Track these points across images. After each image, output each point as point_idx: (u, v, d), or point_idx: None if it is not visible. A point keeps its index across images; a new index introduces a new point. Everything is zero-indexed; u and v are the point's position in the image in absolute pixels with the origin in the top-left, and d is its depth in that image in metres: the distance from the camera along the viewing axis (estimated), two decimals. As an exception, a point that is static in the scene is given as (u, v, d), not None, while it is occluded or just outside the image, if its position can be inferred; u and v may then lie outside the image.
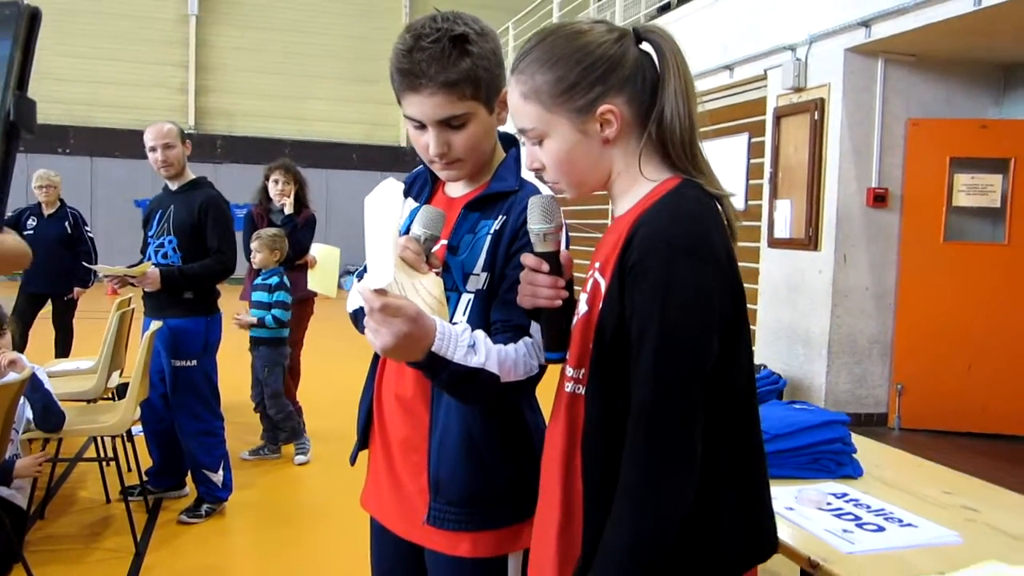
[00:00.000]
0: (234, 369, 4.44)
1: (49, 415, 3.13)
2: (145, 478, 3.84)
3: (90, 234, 6.15)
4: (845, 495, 1.77)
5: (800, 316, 6.04)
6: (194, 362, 3.61)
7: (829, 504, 1.70)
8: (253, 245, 4.41)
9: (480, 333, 1.26)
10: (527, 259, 1.24)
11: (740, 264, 1.10)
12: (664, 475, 1.00)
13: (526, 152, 1.23)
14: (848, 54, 5.61)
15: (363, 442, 1.55)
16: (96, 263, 5.72)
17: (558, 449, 1.18)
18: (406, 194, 1.49)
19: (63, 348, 6.05)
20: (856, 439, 1.99)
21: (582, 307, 1.17)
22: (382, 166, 16.09)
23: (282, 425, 4.52)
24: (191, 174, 3.75)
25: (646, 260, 1.03)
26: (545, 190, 1.37)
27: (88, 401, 3.91)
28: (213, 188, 3.78)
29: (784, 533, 1.46)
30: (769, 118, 6.37)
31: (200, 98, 15.57)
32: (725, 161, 6.72)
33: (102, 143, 14.62)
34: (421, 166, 1.53)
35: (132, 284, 3.53)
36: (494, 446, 1.37)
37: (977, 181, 5.63)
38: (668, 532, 1.01)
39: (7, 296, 6.04)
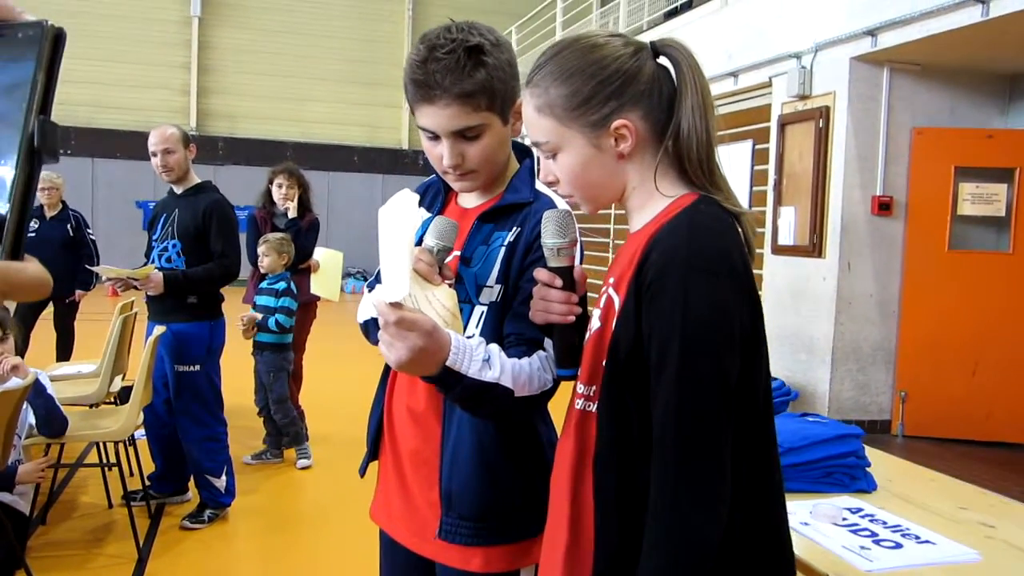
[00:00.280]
0: (236, 372, 4.43)
1: (52, 421, 3.11)
2: (148, 483, 3.82)
3: (92, 237, 6.15)
4: (860, 510, 1.75)
5: (804, 323, 6.03)
6: (198, 367, 3.60)
7: (845, 519, 1.68)
8: (261, 249, 4.41)
9: (495, 347, 1.25)
10: (540, 274, 1.22)
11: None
12: (696, 500, 0.97)
13: (541, 165, 1.21)
14: (854, 63, 5.60)
15: (373, 453, 1.53)
16: (98, 265, 5.70)
17: (567, 467, 1.16)
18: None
19: (64, 351, 6.03)
20: (868, 452, 1.98)
21: (595, 323, 1.15)
22: (384, 168, 16.11)
23: (286, 430, 4.52)
24: (196, 178, 3.73)
25: (664, 279, 1.01)
26: (560, 201, 1.35)
27: (90, 406, 3.89)
28: (218, 192, 3.76)
29: (800, 549, 1.45)
30: (774, 125, 6.36)
31: (202, 100, 15.55)
32: (729, 167, 6.65)
33: (104, 144, 14.61)
34: (433, 176, 1.51)
35: (135, 287, 3.51)
36: (507, 460, 1.36)
37: (982, 190, 5.63)
38: (708, 556, 0.97)
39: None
